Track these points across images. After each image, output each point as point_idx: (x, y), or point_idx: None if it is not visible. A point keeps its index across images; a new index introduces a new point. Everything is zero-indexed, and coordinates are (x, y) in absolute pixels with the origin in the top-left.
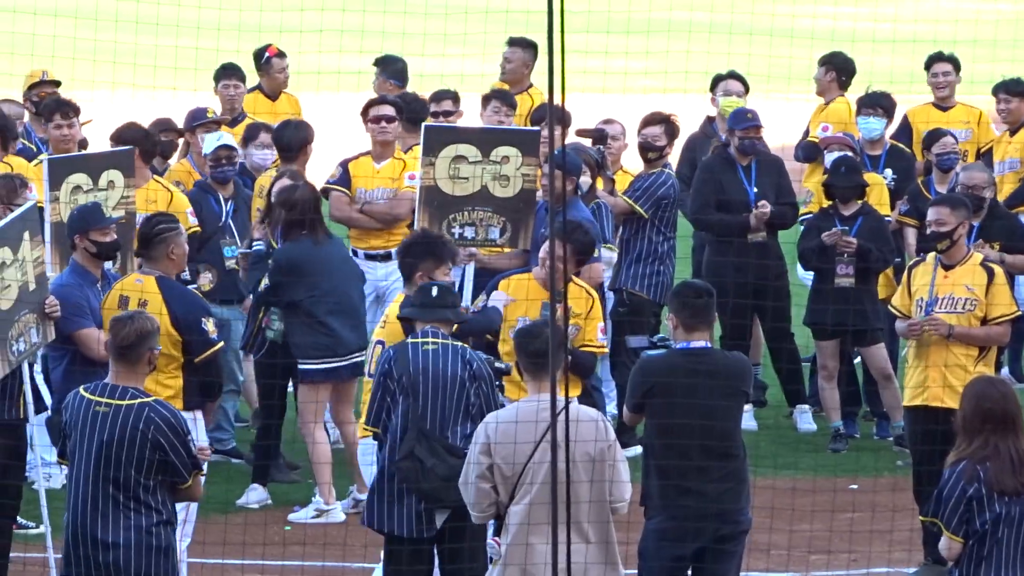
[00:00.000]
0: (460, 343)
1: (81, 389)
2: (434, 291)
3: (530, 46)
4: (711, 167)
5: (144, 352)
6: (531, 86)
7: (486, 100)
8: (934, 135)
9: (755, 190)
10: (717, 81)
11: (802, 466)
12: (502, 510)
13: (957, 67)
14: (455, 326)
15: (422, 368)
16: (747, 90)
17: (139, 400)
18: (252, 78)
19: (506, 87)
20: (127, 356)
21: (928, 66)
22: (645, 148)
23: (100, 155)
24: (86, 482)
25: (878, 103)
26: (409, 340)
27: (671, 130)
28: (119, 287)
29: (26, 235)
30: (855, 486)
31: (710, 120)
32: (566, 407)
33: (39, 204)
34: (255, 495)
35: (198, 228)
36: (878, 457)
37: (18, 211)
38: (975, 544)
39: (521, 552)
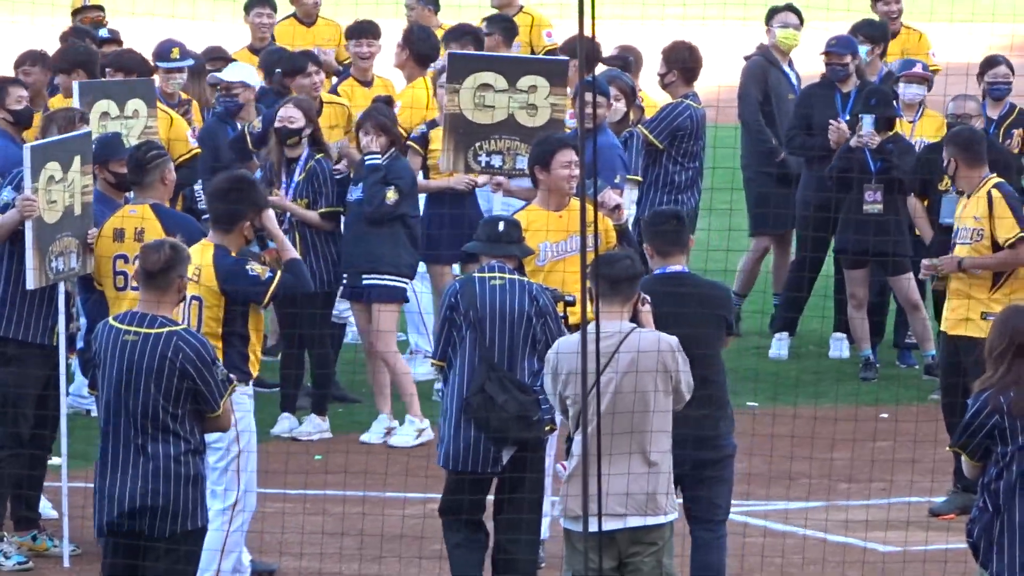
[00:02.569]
0: (526, 278)
1: (110, 319)
2: (500, 226)
3: None
4: (808, 93)
5: (174, 279)
6: (521, 8)
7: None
8: (989, 62)
9: (847, 117)
10: (773, 14)
11: (832, 395)
12: (572, 432)
13: None
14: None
15: (489, 303)
16: (801, 22)
17: (168, 328)
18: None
19: (496, 10)
20: (156, 283)
21: None
22: None
23: (125, 82)
24: (116, 411)
25: (860, 30)
26: (476, 274)
27: (671, 59)
28: (111, 222)
29: (77, 160)
30: (885, 415)
31: (764, 48)
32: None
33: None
34: (310, 425)
35: (199, 150)
36: (908, 386)
37: (72, 134)
38: (1001, 472)
39: (580, 482)
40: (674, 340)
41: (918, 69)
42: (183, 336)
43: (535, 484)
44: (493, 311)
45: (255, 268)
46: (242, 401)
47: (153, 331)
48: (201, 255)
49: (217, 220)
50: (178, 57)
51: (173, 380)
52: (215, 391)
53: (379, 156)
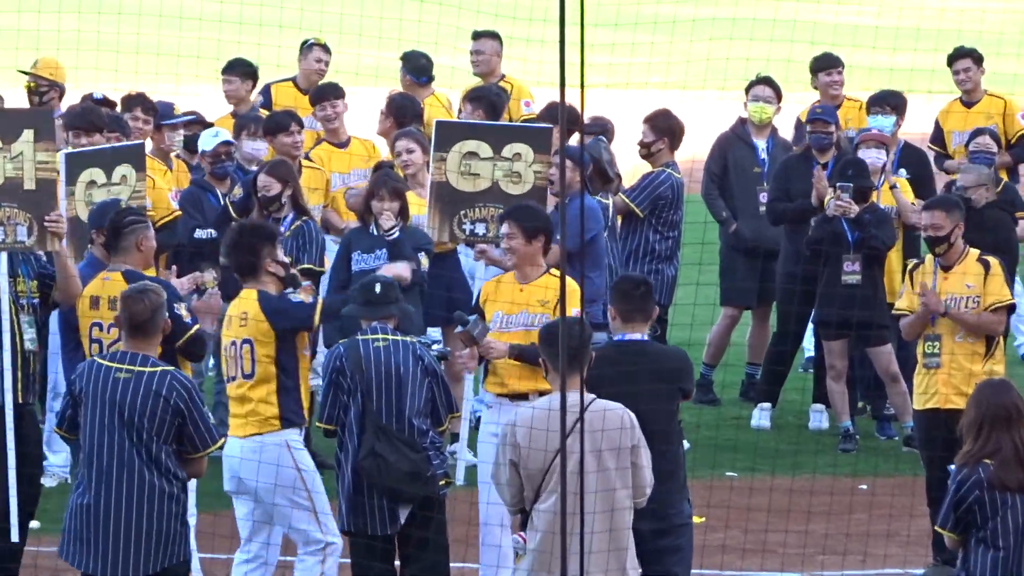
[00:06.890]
0: (409, 338)
1: (96, 357)
2: (377, 288)
3: (496, 36)
4: (786, 164)
5: (159, 322)
6: (503, 76)
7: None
8: (975, 132)
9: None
10: (750, 87)
11: (811, 466)
12: (528, 505)
13: (979, 61)
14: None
15: (375, 364)
16: (779, 97)
17: (161, 368)
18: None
19: (480, 81)
20: (144, 329)
21: (950, 63)
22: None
23: (112, 149)
24: (103, 448)
25: (887, 101)
26: (359, 337)
27: (660, 127)
28: (89, 287)
29: (28, 133)
30: (864, 486)
31: (742, 121)
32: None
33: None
34: None
35: (179, 212)
36: (887, 458)
37: (26, 108)
38: (982, 542)
39: (550, 540)
40: (620, 408)
41: (874, 132)
42: (176, 376)
43: (438, 545)
44: (379, 372)
45: (298, 295)
46: (297, 444)
47: (147, 369)
48: (247, 302)
49: (241, 270)
50: (180, 113)
51: (166, 417)
52: (203, 432)
53: (397, 225)
